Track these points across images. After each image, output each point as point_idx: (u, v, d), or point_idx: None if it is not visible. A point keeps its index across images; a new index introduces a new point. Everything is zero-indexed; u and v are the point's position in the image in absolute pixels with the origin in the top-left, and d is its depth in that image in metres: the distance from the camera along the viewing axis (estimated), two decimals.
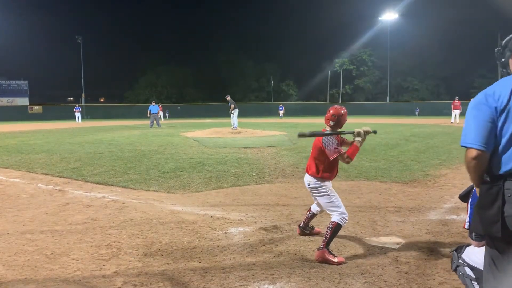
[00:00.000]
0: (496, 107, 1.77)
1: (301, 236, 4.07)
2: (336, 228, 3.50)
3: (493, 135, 1.78)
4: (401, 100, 62.98)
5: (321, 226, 4.30)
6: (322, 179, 3.64)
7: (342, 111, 3.67)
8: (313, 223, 4.19)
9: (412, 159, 9.35)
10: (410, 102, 58.09)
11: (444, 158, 9.49)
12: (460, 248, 2.50)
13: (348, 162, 3.51)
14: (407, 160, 9.19)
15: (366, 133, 3.54)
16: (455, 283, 2.98)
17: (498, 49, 1.98)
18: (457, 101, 27.09)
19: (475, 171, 1.84)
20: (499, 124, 1.78)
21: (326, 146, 3.52)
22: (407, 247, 3.78)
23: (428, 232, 4.20)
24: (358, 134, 3.52)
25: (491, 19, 51.71)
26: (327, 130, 3.68)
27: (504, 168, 1.77)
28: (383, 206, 5.26)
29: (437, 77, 63.67)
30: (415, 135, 16.42)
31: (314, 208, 4.00)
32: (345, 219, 3.55)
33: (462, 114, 27.31)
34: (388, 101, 60.20)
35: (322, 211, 3.93)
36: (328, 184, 3.69)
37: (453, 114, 27.10)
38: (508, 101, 1.76)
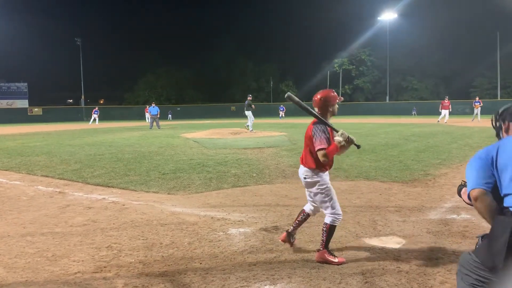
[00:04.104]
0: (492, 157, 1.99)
1: (301, 237, 4.05)
2: (330, 229, 3.43)
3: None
4: (400, 99, 63.01)
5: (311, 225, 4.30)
6: (317, 171, 3.43)
7: (332, 93, 3.51)
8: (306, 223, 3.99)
9: (412, 159, 9.35)
10: (410, 101, 58.11)
11: (444, 158, 9.49)
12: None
13: (323, 161, 3.31)
14: (407, 160, 9.19)
15: (350, 140, 3.29)
16: (455, 282, 2.98)
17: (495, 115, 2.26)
18: (447, 101, 26.90)
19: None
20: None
21: (315, 136, 3.33)
22: (407, 246, 3.77)
23: (428, 231, 4.20)
24: (342, 134, 3.29)
25: (490, 17, 51.87)
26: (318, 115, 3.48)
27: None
28: (384, 206, 5.26)
29: (437, 77, 63.69)
30: (415, 134, 16.43)
31: (308, 207, 3.71)
32: (338, 219, 3.45)
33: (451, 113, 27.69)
34: (387, 101, 60.22)
35: (316, 211, 3.70)
36: (325, 177, 3.48)
37: (442, 114, 26.79)
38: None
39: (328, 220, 3.45)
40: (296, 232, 3.79)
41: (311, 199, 3.64)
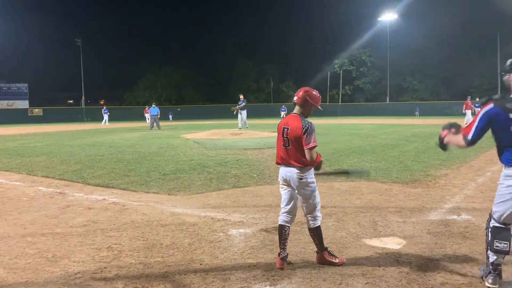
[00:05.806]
0: None
1: (301, 237, 4.06)
2: (320, 230, 3.41)
3: None
4: (400, 100, 63.02)
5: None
6: (309, 168, 3.34)
7: (314, 92, 3.47)
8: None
9: (413, 160, 9.35)
10: (410, 102, 58.12)
11: (444, 158, 9.48)
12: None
13: (310, 161, 3.24)
14: (408, 161, 9.19)
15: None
16: (456, 283, 2.98)
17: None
18: (470, 101, 25.64)
19: None
20: None
21: (307, 135, 3.24)
22: (408, 247, 3.77)
23: (429, 232, 4.20)
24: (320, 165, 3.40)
25: (490, 18, 51.85)
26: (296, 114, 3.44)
27: None
28: (384, 207, 5.26)
29: (437, 77, 63.69)
30: (415, 135, 16.43)
31: (283, 220, 3.42)
32: (320, 219, 3.43)
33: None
34: (388, 102, 60.22)
35: (293, 219, 3.46)
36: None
37: (468, 115, 24.80)
38: None
39: (317, 223, 3.39)
40: (287, 248, 3.43)
41: (304, 204, 3.39)
